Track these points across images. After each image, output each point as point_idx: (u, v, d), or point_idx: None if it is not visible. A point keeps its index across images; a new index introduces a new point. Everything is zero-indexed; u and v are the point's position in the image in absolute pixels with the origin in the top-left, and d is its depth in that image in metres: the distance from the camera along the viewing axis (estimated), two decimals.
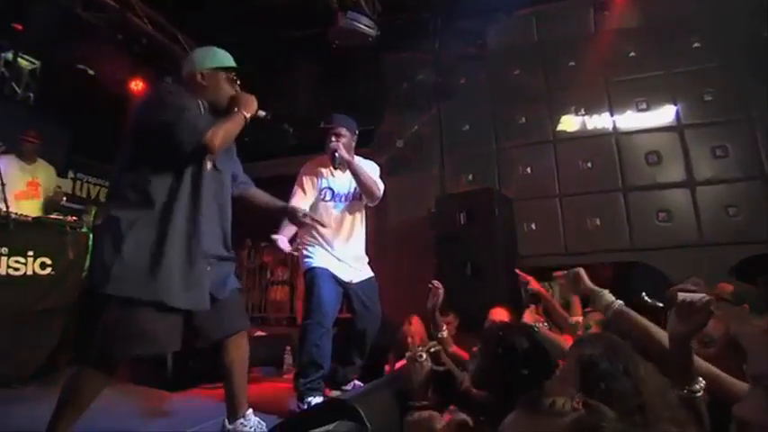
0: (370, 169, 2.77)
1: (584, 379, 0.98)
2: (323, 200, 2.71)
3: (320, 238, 2.65)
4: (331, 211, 2.72)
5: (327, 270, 2.59)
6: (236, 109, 1.79)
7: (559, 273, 1.69)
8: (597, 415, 0.71)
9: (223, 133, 1.70)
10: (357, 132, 2.77)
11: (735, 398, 1.05)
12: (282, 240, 2.61)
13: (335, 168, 2.72)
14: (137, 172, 1.69)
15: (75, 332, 3.22)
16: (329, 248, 2.65)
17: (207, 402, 2.58)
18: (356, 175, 2.64)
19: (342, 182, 2.76)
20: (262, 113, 1.88)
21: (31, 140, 3.76)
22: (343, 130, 2.68)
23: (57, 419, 1.56)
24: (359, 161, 2.73)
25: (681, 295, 1.27)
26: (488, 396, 1.40)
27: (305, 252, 2.64)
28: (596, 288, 1.46)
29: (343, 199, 2.74)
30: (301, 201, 2.62)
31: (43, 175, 3.89)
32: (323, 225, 2.44)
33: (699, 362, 1.13)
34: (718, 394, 1.10)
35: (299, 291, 5.34)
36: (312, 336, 2.42)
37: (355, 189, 2.75)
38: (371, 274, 2.79)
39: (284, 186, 2.69)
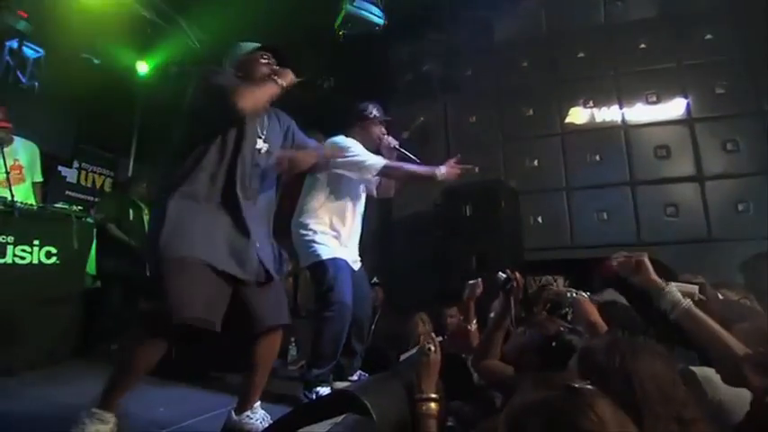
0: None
1: (581, 371, 0.95)
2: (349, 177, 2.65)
3: (334, 223, 2.61)
4: (353, 190, 2.70)
5: (345, 262, 2.55)
6: (269, 79, 1.80)
7: (621, 257, 1.41)
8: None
9: (253, 93, 1.69)
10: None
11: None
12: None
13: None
14: (183, 153, 1.75)
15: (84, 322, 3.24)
16: (340, 234, 2.61)
17: (211, 392, 2.58)
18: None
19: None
20: (296, 80, 1.87)
21: (3, 125, 3.30)
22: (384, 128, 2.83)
23: (111, 389, 1.60)
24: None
25: (674, 285, 1.24)
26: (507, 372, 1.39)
27: (317, 239, 2.56)
28: (660, 281, 1.28)
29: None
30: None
31: (25, 154, 3.56)
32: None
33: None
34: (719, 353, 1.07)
35: (303, 282, 5.34)
36: (333, 329, 2.40)
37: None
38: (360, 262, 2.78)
39: None
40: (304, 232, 2.58)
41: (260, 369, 1.87)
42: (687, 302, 1.21)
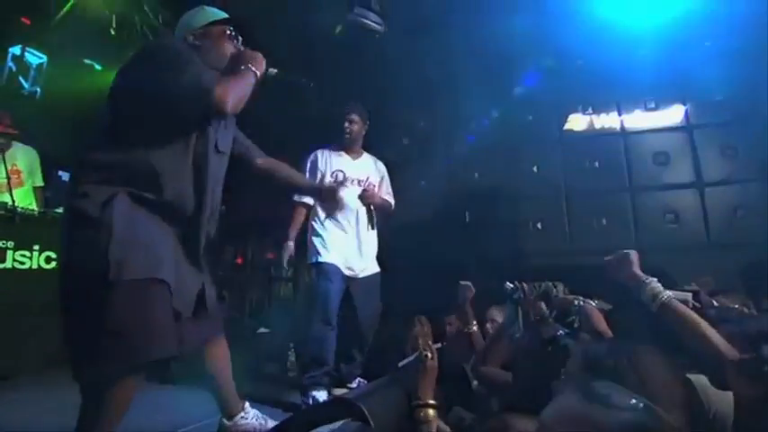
0: (380, 179, 2.85)
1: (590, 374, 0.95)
2: (334, 182, 2.71)
3: (331, 227, 2.64)
4: (348, 198, 2.65)
5: (334, 265, 2.58)
6: (242, 66, 1.46)
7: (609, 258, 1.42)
8: (657, 417, 0.69)
9: (236, 89, 1.37)
10: (368, 121, 2.84)
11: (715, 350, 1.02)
12: (289, 249, 2.63)
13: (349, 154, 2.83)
14: (121, 146, 1.39)
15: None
16: (339, 238, 2.64)
17: (208, 398, 2.57)
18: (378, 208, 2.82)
19: (357, 166, 2.78)
20: (273, 71, 1.62)
21: (7, 131, 3.35)
22: (355, 116, 2.80)
23: None
24: (367, 161, 2.81)
25: (668, 293, 1.24)
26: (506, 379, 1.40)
27: (314, 242, 2.63)
28: (643, 275, 1.29)
29: (356, 184, 2.75)
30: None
31: (23, 159, 3.59)
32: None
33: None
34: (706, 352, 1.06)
35: (302, 287, 5.34)
36: (316, 332, 2.44)
37: (369, 177, 2.80)
38: (377, 269, 2.80)
39: None
40: (309, 238, 2.72)
41: (222, 376, 1.76)
42: (667, 294, 1.21)
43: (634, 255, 1.35)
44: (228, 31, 1.63)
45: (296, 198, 2.69)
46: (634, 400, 0.73)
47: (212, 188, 1.54)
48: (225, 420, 1.80)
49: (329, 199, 1.92)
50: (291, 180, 1.90)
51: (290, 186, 1.92)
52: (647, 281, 1.26)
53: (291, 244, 2.66)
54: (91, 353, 1.34)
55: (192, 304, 1.50)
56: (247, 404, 1.85)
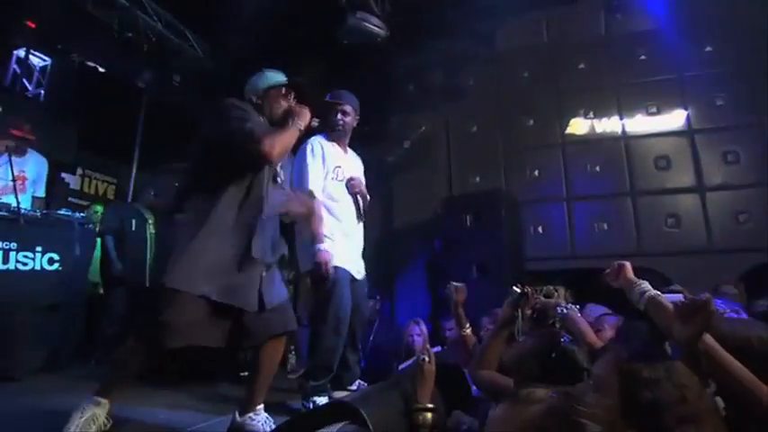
0: (361, 173, 2.77)
1: (626, 388, 0.94)
2: (334, 179, 2.58)
3: (335, 230, 2.50)
4: (344, 192, 2.61)
5: (347, 271, 2.49)
6: (290, 121, 1.86)
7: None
8: (572, 398, 0.72)
9: (280, 142, 1.76)
10: (359, 113, 2.73)
11: (750, 396, 1.03)
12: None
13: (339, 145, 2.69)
14: (203, 183, 1.80)
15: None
16: (344, 234, 2.53)
17: (213, 398, 2.58)
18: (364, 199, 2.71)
19: (349, 162, 2.70)
20: (315, 123, 1.98)
21: (26, 137, 3.46)
22: (349, 108, 2.66)
23: (108, 385, 1.74)
24: (352, 158, 2.74)
25: (655, 292, 1.27)
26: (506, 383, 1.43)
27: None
28: (635, 279, 1.36)
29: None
30: (321, 175, 2.53)
31: (33, 168, 3.64)
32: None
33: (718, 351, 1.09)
34: (734, 388, 1.06)
35: (302, 290, 5.33)
36: (327, 342, 2.37)
37: (358, 173, 2.74)
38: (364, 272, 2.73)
39: None
40: (306, 236, 2.49)
41: (262, 372, 1.94)
42: (653, 292, 1.26)
43: (628, 264, 1.43)
44: (284, 91, 1.98)
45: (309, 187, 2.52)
46: (553, 394, 0.79)
47: (270, 211, 1.89)
48: (237, 415, 1.91)
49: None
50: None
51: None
52: (638, 283, 1.33)
53: (325, 248, 2.49)
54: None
55: (250, 300, 1.79)
56: (261, 407, 1.94)
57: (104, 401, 1.72)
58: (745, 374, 1.07)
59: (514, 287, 1.87)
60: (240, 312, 1.77)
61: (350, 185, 2.61)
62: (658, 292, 1.25)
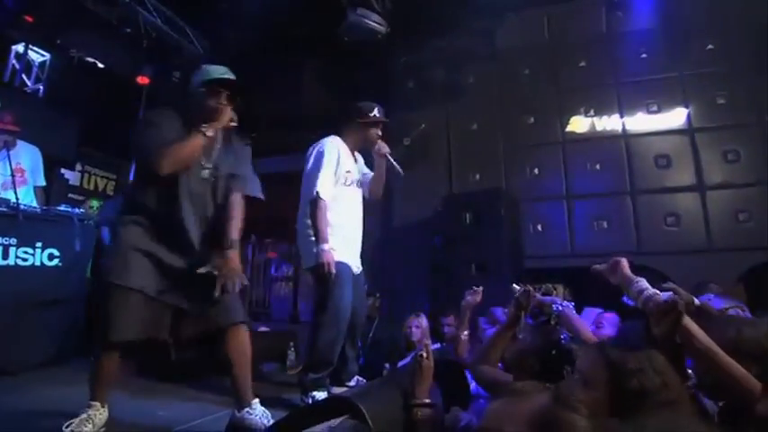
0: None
1: (615, 379, 1.01)
2: (343, 184, 2.63)
3: (337, 226, 2.53)
4: (349, 197, 2.68)
5: (349, 266, 2.52)
6: (199, 126, 1.88)
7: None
8: (560, 393, 0.75)
9: (172, 154, 1.82)
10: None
11: (735, 382, 1.07)
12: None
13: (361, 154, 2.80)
14: (136, 179, 1.98)
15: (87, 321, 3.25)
16: (345, 238, 2.58)
17: (211, 394, 2.58)
18: (383, 175, 2.76)
19: (358, 168, 2.78)
20: (233, 124, 2.00)
21: (10, 129, 3.40)
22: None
23: (95, 387, 1.83)
24: (360, 161, 2.80)
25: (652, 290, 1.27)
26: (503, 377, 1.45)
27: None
28: (633, 276, 1.34)
29: (357, 184, 2.73)
30: (332, 180, 2.56)
31: (27, 158, 3.62)
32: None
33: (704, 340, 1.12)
34: (720, 376, 1.10)
35: (302, 286, 5.36)
36: (327, 335, 2.39)
37: (363, 176, 2.77)
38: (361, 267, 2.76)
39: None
40: (309, 232, 2.50)
41: (234, 366, 1.95)
42: (651, 291, 1.24)
43: (624, 260, 1.40)
44: (218, 90, 1.95)
45: (322, 195, 2.49)
46: (548, 390, 0.82)
47: (199, 212, 1.96)
48: (236, 412, 1.95)
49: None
50: (224, 232, 2.02)
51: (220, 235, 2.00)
52: (636, 280, 1.31)
53: (328, 249, 2.47)
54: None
55: (179, 295, 1.86)
56: (257, 401, 1.96)
57: (94, 403, 1.81)
58: (736, 369, 1.09)
59: (515, 285, 1.87)
60: (179, 307, 1.86)
61: (380, 147, 2.69)
62: (657, 291, 1.24)
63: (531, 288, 1.86)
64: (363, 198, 2.81)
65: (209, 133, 1.90)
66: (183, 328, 1.91)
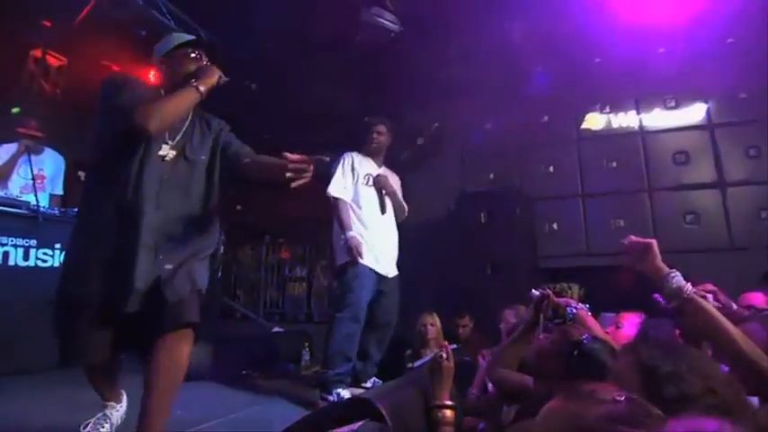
0: (397, 186, 3.04)
1: (649, 385, 0.90)
2: (365, 184, 2.83)
3: (364, 227, 2.71)
4: (373, 197, 2.84)
5: (366, 266, 2.66)
6: (188, 83, 1.62)
7: (631, 238, 1.36)
8: (640, 408, 0.69)
9: (161, 108, 1.52)
10: (392, 133, 3.05)
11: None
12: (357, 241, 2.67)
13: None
14: (93, 165, 1.67)
15: None
16: (372, 238, 2.71)
17: (234, 392, 2.60)
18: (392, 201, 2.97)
19: (380, 172, 2.93)
20: (223, 79, 1.70)
21: (33, 134, 3.48)
22: (383, 128, 2.97)
23: (98, 391, 1.79)
24: (386, 172, 2.91)
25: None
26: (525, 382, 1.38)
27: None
28: (666, 267, 1.22)
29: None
30: (342, 182, 2.77)
31: (50, 166, 3.69)
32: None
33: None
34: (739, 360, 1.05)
35: (316, 287, 5.38)
36: (345, 329, 2.52)
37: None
38: (397, 271, 2.89)
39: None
40: (339, 236, 2.75)
41: (152, 389, 1.50)
42: (690, 290, 1.16)
43: (654, 243, 1.29)
44: (192, 53, 1.74)
45: (334, 194, 2.74)
46: (618, 395, 0.73)
47: (165, 193, 1.62)
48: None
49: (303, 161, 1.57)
50: (271, 165, 1.72)
51: (277, 169, 1.64)
52: (672, 274, 1.20)
53: (354, 233, 2.63)
54: None
55: (124, 296, 1.48)
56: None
57: (106, 403, 1.79)
58: (742, 338, 1.06)
59: (534, 290, 1.85)
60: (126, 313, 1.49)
61: (375, 181, 2.87)
62: (695, 289, 1.16)
63: (550, 292, 1.84)
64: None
65: (203, 88, 1.62)
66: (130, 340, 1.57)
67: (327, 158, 2.01)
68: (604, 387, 0.78)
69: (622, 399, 0.71)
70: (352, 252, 2.57)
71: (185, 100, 1.60)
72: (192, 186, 1.71)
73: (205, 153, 1.77)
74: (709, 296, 1.23)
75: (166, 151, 1.65)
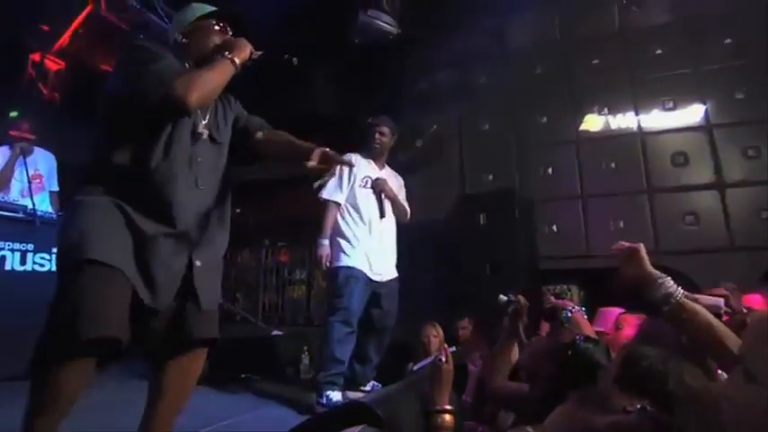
0: (398, 187, 2.95)
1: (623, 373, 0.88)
2: (363, 186, 2.81)
3: (353, 235, 2.69)
4: (370, 199, 2.82)
5: (362, 272, 2.63)
6: (219, 56, 1.43)
7: (620, 246, 1.33)
8: (651, 420, 0.67)
9: (201, 82, 1.32)
10: (396, 134, 3.04)
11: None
12: (326, 248, 2.71)
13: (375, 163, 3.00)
14: (107, 144, 1.39)
15: None
16: (366, 241, 2.70)
17: (235, 396, 2.59)
18: (391, 201, 2.95)
19: (382, 176, 2.90)
20: (257, 54, 1.53)
21: (26, 137, 3.46)
22: (386, 129, 2.94)
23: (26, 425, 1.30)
24: (388, 174, 2.89)
25: (682, 293, 1.18)
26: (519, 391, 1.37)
27: (340, 244, 2.68)
28: (656, 272, 1.20)
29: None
30: (335, 181, 2.75)
31: (44, 164, 3.72)
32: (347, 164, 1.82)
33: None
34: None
35: (316, 290, 5.36)
36: (337, 333, 2.51)
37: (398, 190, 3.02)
38: (396, 274, 2.87)
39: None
40: (332, 240, 2.75)
41: (163, 402, 1.44)
42: (680, 294, 1.14)
43: (643, 250, 1.26)
44: (216, 25, 1.58)
45: (325, 197, 2.74)
46: (634, 404, 0.71)
47: (199, 176, 1.45)
48: None
49: (329, 161, 1.45)
50: (292, 146, 1.58)
51: (292, 152, 1.55)
52: (661, 280, 1.17)
53: (327, 242, 2.67)
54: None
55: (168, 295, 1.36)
56: None
57: None
58: (726, 333, 1.05)
59: (501, 296, 1.86)
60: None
61: (374, 184, 2.85)
62: (696, 296, 1.14)
63: (520, 299, 1.85)
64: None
65: (238, 60, 1.43)
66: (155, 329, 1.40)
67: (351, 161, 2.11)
68: (619, 396, 0.76)
69: (634, 409, 0.69)
70: (322, 260, 2.63)
71: (223, 73, 1.40)
72: (220, 172, 1.55)
73: (228, 136, 1.61)
74: (720, 301, 1.20)
75: (201, 129, 1.48)
